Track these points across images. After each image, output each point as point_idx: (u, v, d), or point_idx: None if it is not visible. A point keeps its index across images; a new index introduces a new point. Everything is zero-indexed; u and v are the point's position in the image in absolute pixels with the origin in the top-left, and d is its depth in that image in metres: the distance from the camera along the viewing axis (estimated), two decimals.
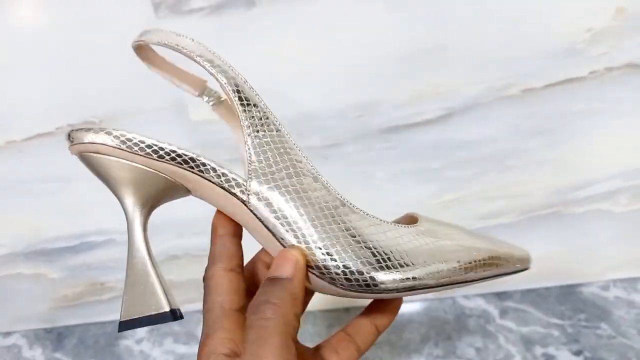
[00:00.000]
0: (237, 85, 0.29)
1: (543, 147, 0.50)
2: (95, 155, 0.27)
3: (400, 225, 0.28)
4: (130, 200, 0.27)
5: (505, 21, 0.43)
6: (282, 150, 0.28)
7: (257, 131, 0.28)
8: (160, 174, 0.27)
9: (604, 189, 0.52)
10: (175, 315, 0.26)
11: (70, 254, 0.57)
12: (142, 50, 0.32)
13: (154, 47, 0.32)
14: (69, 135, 0.28)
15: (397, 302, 0.32)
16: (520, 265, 0.32)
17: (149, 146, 0.27)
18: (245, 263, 0.31)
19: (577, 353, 0.51)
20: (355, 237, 0.27)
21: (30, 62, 0.46)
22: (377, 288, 0.26)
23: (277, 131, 0.29)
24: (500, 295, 0.58)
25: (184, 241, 0.56)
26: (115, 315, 0.63)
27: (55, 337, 0.62)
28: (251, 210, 0.27)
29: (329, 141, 0.49)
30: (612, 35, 0.44)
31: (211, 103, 0.35)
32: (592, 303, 0.56)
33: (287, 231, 0.26)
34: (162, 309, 0.26)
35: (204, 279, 0.29)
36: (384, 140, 0.49)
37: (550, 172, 0.51)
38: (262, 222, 0.27)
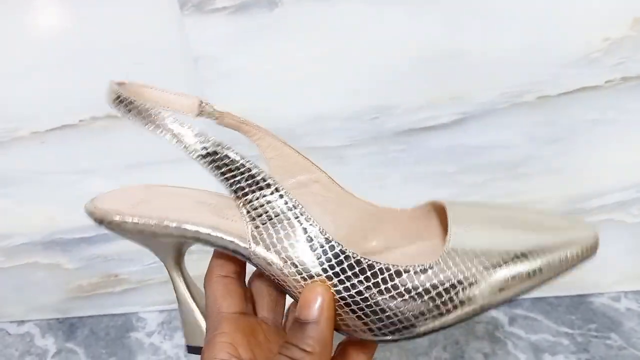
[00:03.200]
0: (205, 149, 0.27)
1: (556, 155, 0.50)
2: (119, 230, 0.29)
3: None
4: (167, 261, 0.31)
5: (522, 29, 0.44)
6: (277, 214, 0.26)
7: (248, 199, 0.27)
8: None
9: (617, 199, 0.52)
10: None
11: (86, 245, 0.58)
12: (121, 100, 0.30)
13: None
14: (92, 214, 0.30)
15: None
16: (582, 255, 0.28)
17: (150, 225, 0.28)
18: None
19: None
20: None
21: (56, 56, 0.47)
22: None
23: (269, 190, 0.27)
24: (510, 303, 0.58)
25: None
26: (128, 307, 0.64)
27: (68, 327, 0.63)
28: (256, 265, 0.27)
29: (344, 142, 0.50)
30: (629, 45, 0.44)
31: (214, 119, 0.34)
32: (602, 314, 0.56)
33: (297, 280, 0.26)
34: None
35: (204, 287, 0.30)
36: (398, 142, 0.50)
37: (563, 181, 0.52)
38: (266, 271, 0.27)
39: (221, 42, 0.45)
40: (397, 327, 0.25)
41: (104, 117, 0.50)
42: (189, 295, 0.31)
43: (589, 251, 0.28)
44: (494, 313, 0.57)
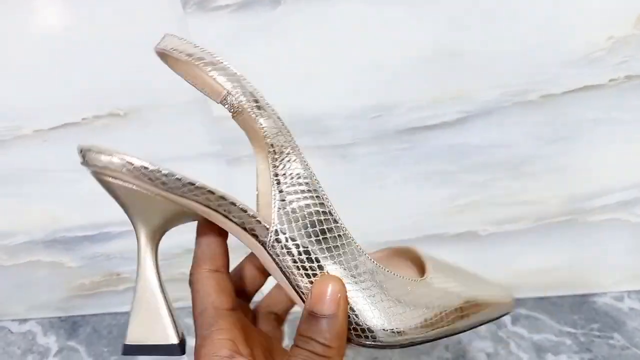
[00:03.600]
0: (256, 101, 0.28)
1: (559, 154, 0.50)
2: (112, 180, 0.25)
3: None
4: (143, 232, 0.26)
5: (525, 27, 0.44)
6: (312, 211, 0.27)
7: (282, 192, 0.27)
8: (176, 203, 0.26)
9: (620, 198, 0.52)
10: (182, 348, 0.26)
11: (88, 243, 0.58)
12: (164, 55, 0.31)
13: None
14: (82, 153, 0.25)
15: None
16: (501, 310, 0.32)
17: (177, 179, 0.25)
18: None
19: None
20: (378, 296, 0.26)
21: (58, 54, 0.47)
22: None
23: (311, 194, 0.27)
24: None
25: None
26: (129, 306, 0.64)
27: (70, 325, 0.63)
28: (270, 255, 0.27)
29: (346, 140, 0.50)
30: (633, 44, 0.44)
31: (232, 111, 0.32)
32: (605, 313, 0.56)
33: (302, 277, 0.26)
34: (170, 340, 0.26)
35: (190, 282, 0.28)
36: (400, 141, 0.49)
37: (566, 180, 0.51)
38: (280, 267, 0.27)
39: (223, 40, 0.45)
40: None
41: (106, 115, 0.50)
42: (159, 284, 0.26)
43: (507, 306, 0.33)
44: None
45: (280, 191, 0.27)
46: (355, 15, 0.44)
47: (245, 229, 0.26)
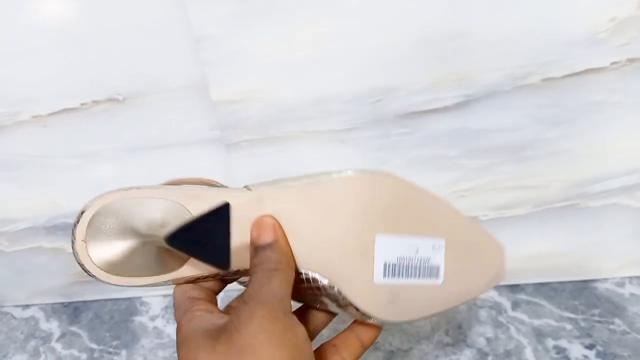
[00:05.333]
0: None
1: (561, 139, 0.50)
2: None
3: None
4: None
5: (526, 9, 0.43)
6: None
7: None
8: None
9: (622, 183, 0.52)
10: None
11: None
12: None
13: None
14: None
15: None
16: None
17: None
18: None
19: (590, 347, 0.51)
20: None
21: (57, 39, 0.47)
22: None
23: None
24: (513, 288, 0.58)
25: None
26: (131, 292, 0.64)
27: (72, 311, 0.63)
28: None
29: (346, 125, 0.49)
30: (635, 26, 0.43)
31: None
32: (606, 299, 0.56)
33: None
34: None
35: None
36: (401, 125, 0.49)
37: (567, 164, 0.51)
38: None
39: (223, 24, 0.45)
40: None
41: (105, 100, 0.50)
42: None
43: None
44: (497, 298, 0.57)
45: None
46: None
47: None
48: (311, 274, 0.28)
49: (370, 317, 0.29)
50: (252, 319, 0.24)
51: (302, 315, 0.32)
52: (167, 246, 0.27)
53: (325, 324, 0.32)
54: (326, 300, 0.29)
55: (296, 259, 0.28)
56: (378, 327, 0.32)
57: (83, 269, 0.29)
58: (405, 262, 0.29)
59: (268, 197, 0.29)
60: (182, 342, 0.26)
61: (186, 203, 0.28)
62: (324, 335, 0.33)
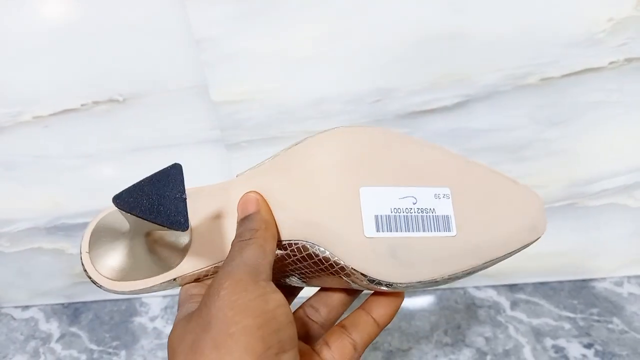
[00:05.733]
0: None
1: (559, 138, 0.50)
2: None
3: None
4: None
5: (525, 10, 0.44)
6: None
7: None
8: None
9: (620, 182, 0.52)
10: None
11: None
12: None
13: None
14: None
15: (399, 294, 0.30)
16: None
17: None
18: None
19: (588, 346, 0.51)
20: None
21: (57, 40, 0.47)
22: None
23: None
24: (512, 288, 0.58)
25: None
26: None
27: (72, 312, 0.64)
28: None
29: (346, 125, 0.49)
30: (633, 26, 0.44)
31: None
32: (604, 298, 0.56)
33: None
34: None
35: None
36: (400, 125, 0.49)
37: (566, 164, 0.51)
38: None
39: (223, 25, 0.45)
40: None
41: (105, 101, 0.50)
42: None
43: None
44: (495, 297, 0.58)
45: None
46: None
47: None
48: (302, 243, 0.27)
49: (380, 283, 0.26)
50: (219, 291, 0.23)
51: (318, 301, 0.31)
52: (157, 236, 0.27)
53: (345, 305, 0.31)
54: (333, 274, 0.27)
55: (285, 231, 0.28)
56: (393, 304, 0.29)
57: (91, 281, 0.30)
58: (402, 214, 0.27)
59: (249, 177, 0.29)
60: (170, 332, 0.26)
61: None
62: None
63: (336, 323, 0.30)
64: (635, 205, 0.53)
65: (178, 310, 0.28)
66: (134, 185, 0.25)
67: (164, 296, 0.63)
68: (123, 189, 0.25)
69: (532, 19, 0.44)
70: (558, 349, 0.51)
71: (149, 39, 0.47)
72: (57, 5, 0.46)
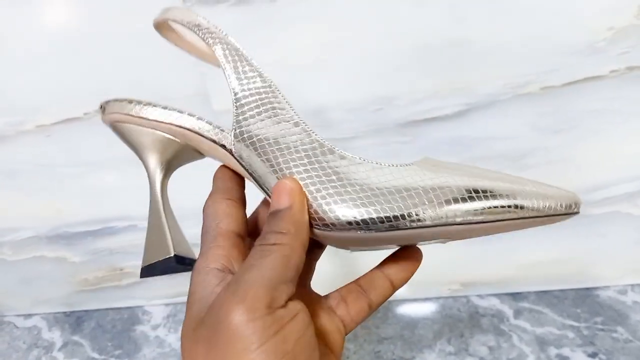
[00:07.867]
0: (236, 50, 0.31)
1: (561, 146, 0.50)
2: (122, 124, 0.31)
3: (396, 165, 0.27)
4: (152, 162, 0.30)
5: (525, 18, 0.44)
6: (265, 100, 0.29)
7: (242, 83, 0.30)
8: (176, 138, 0.30)
9: (623, 190, 0.52)
10: (180, 260, 0.27)
11: (91, 239, 0.59)
12: (162, 28, 0.34)
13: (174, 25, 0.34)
14: (101, 107, 0.31)
15: (416, 255, 0.29)
16: (561, 208, 0.26)
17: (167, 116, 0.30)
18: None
19: (593, 355, 0.51)
20: (336, 175, 0.25)
21: (60, 49, 0.48)
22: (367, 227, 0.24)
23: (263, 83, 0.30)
24: (515, 296, 0.58)
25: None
26: (133, 300, 0.64)
27: (74, 320, 0.64)
28: (237, 159, 0.28)
29: (347, 134, 0.50)
30: (634, 34, 0.44)
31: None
32: (609, 307, 0.56)
33: (270, 174, 0.26)
34: (168, 254, 0.27)
35: (203, 210, 0.28)
36: (401, 134, 0.49)
37: (567, 172, 0.51)
38: (247, 170, 0.27)
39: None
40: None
41: None
42: (162, 204, 0.29)
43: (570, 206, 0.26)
44: (498, 306, 0.57)
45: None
46: (355, 6, 0.44)
47: (214, 141, 0.28)
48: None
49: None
50: (228, 316, 0.21)
51: (359, 285, 0.29)
52: None
53: (389, 291, 0.29)
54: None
55: None
56: (411, 267, 0.28)
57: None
58: None
59: None
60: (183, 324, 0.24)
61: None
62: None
63: (352, 281, 0.29)
64: (638, 213, 0.53)
65: (202, 234, 0.27)
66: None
67: (167, 304, 0.63)
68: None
69: (533, 27, 0.44)
70: (562, 358, 0.51)
71: (152, 48, 0.48)
72: (59, 14, 0.47)
